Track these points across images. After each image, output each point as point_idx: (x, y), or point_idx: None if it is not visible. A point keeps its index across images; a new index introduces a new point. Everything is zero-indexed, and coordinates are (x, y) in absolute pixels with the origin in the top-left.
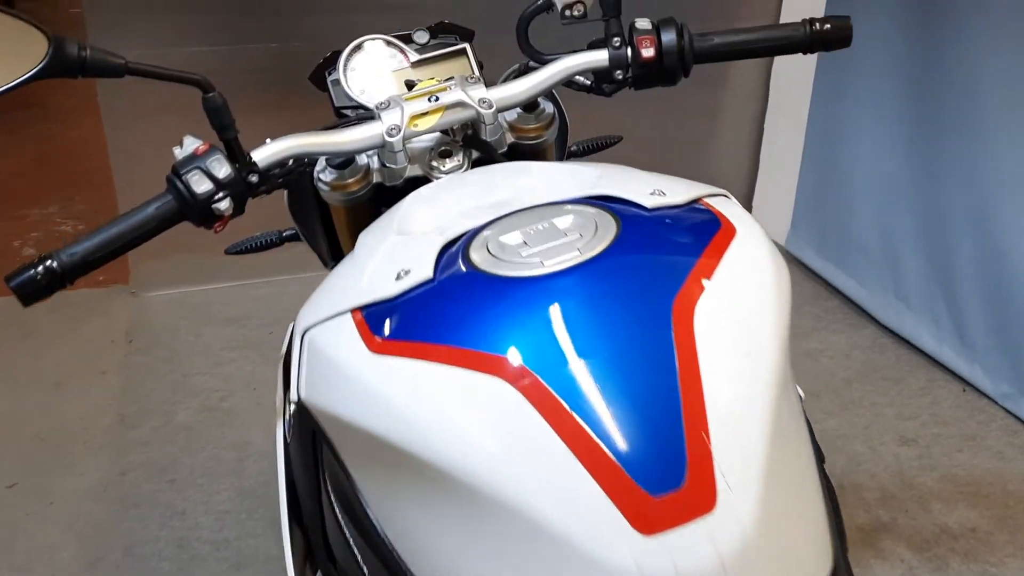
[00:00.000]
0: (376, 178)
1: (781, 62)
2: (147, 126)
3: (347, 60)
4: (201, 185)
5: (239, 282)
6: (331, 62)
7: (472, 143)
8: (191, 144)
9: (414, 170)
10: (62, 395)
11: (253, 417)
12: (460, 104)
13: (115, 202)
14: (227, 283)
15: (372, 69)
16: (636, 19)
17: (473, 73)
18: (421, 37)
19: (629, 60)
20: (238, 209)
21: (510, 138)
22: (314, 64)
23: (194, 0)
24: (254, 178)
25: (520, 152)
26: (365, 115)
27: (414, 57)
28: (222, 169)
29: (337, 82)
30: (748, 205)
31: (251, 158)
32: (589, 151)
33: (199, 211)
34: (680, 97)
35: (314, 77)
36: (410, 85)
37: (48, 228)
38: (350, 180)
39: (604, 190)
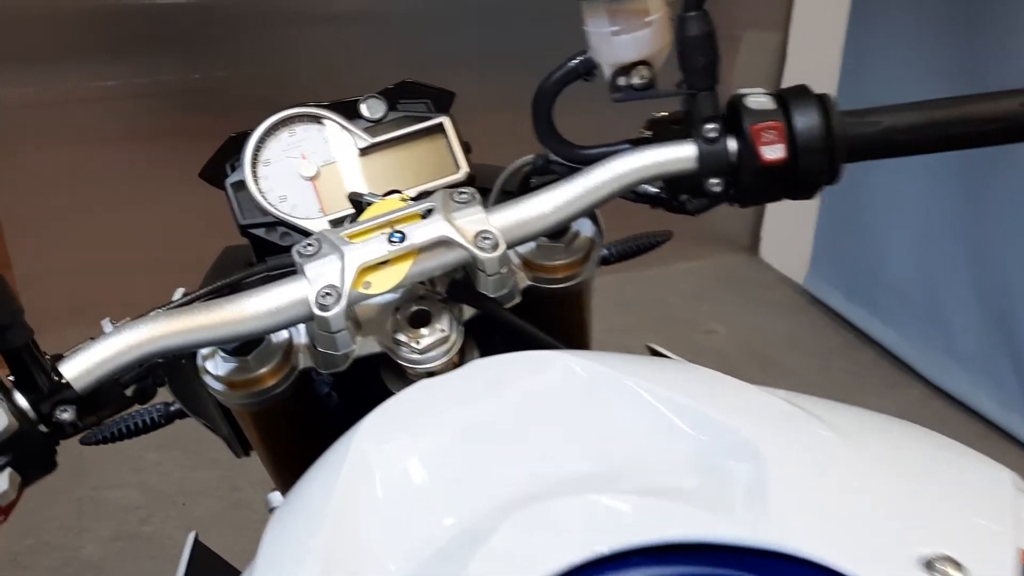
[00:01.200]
0: (303, 363)
1: (794, 60)
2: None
3: (257, 150)
4: None
5: None
6: (233, 150)
7: (461, 295)
8: None
9: (367, 346)
10: None
11: (181, 546)
12: (444, 243)
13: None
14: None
15: (297, 162)
16: (742, 91)
17: (457, 168)
18: (374, 109)
19: (737, 160)
20: (38, 471)
21: (524, 279)
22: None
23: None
24: (66, 414)
25: (539, 299)
26: (281, 260)
27: (363, 142)
28: None
29: (242, 185)
30: (755, 237)
31: (59, 376)
32: (626, 256)
33: None
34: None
35: (208, 173)
36: (358, 203)
37: None
38: (259, 372)
39: (806, 538)
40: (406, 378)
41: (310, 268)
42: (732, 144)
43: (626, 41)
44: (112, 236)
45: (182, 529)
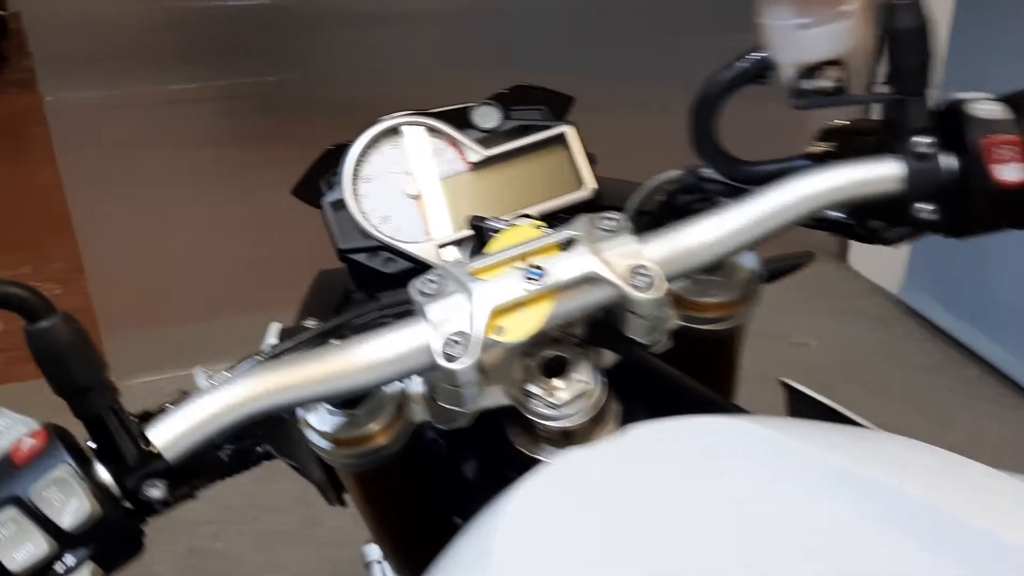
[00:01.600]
0: (419, 416)
1: None
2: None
3: (358, 164)
4: (18, 548)
5: (230, 362)
6: (329, 165)
7: (603, 339)
8: (4, 431)
9: (491, 397)
10: None
11: (253, 564)
12: (592, 280)
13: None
14: (215, 365)
15: (401, 179)
16: (961, 95)
17: (581, 184)
18: (487, 118)
19: (956, 181)
20: (122, 558)
21: (672, 319)
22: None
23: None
24: (156, 490)
25: (687, 341)
26: (396, 298)
27: (476, 155)
28: (74, 499)
29: (341, 204)
30: (843, 244)
31: (147, 444)
32: (767, 280)
33: None
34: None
35: (302, 191)
36: (480, 228)
37: None
38: (369, 428)
39: None
40: (534, 434)
41: (433, 310)
42: (950, 161)
43: (816, 36)
44: (184, 240)
45: (254, 545)
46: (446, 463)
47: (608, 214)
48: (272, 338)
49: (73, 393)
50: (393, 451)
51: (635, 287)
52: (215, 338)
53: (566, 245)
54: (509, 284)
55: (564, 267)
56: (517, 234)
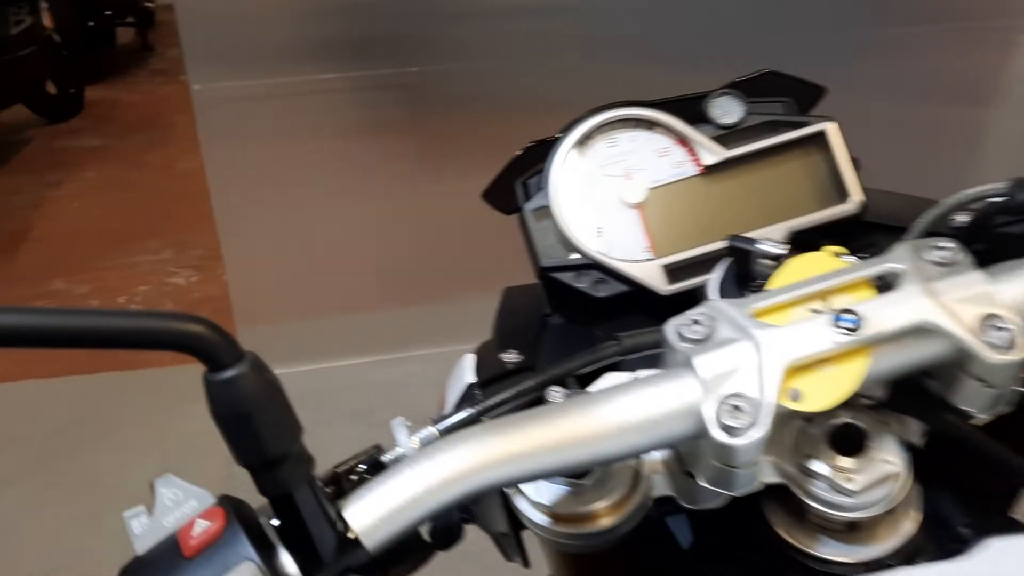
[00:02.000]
0: (659, 491)
1: None
2: (254, 161)
3: (566, 160)
4: None
5: (364, 358)
6: (527, 165)
7: (913, 406)
8: (171, 506)
9: (760, 474)
10: None
11: None
12: (926, 332)
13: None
14: (349, 360)
15: (619, 183)
16: None
17: (844, 196)
18: (728, 110)
19: None
20: None
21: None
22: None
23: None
24: None
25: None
26: (642, 339)
27: (711, 155)
28: None
29: (544, 212)
30: None
31: (347, 531)
32: None
33: None
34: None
35: (494, 194)
36: (741, 249)
37: (159, 279)
38: (596, 506)
39: None
40: (806, 522)
41: (705, 363)
42: None
43: None
44: (323, 232)
45: None
46: (676, 544)
47: (938, 241)
48: (469, 375)
49: (260, 464)
50: (621, 533)
51: (989, 344)
52: (350, 333)
53: (884, 282)
54: (810, 333)
55: (889, 314)
56: (811, 264)
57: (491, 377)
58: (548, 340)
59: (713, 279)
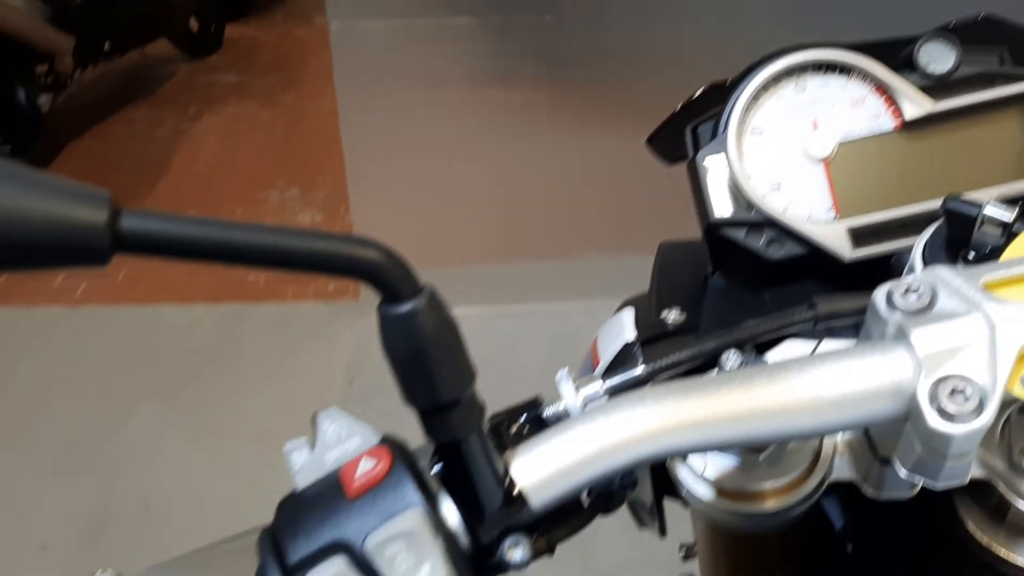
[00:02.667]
0: (841, 474)
1: None
2: (388, 105)
3: (747, 111)
4: None
5: (482, 309)
6: (699, 111)
7: None
8: (334, 441)
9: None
10: (263, 452)
11: None
12: None
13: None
14: (467, 309)
15: (805, 134)
16: None
17: None
18: (939, 58)
19: None
20: None
21: None
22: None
23: None
24: (517, 551)
25: None
26: (839, 306)
27: (916, 108)
28: (426, 564)
29: (717, 161)
30: None
31: (514, 488)
32: None
33: None
34: None
35: (659, 141)
36: (958, 213)
37: (285, 217)
38: (768, 484)
39: None
40: (1005, 523)
41: (923, 337)
42: None
43: None
44: (450, 180)
45: None
46: (847, 535)
47: None
48: (628, 331)
49: (432, 407)
50: (791, 516)
51: None
52: (470, 283)
53: None
54: None
55: None
56: None
57: (652, 336)
58: (710, 302)
59: (920, 244)
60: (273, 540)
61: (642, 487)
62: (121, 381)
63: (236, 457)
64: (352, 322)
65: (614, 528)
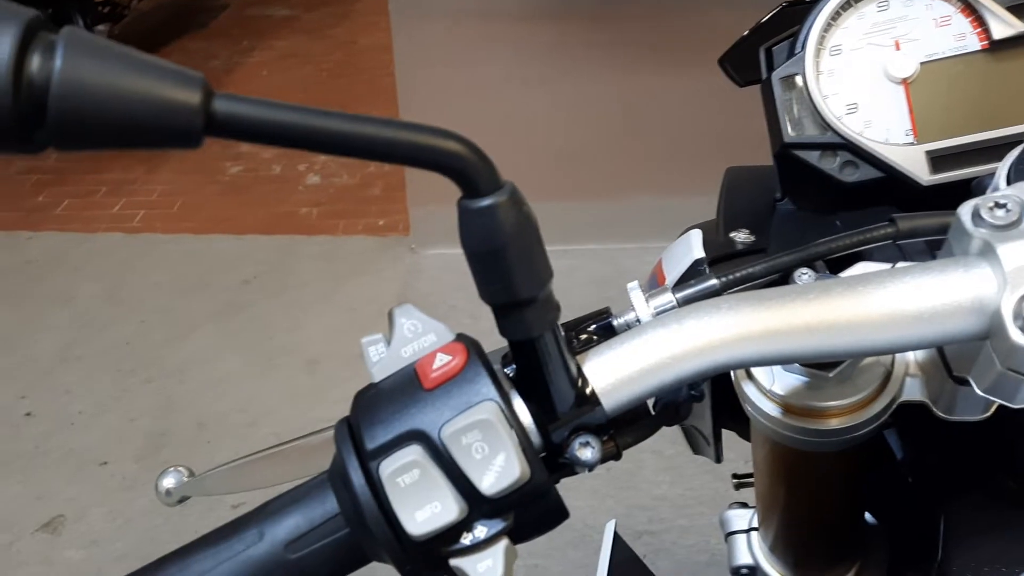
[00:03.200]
0: (912, 395)
1: None
2: (441, 40)
3: (826, 30)
4: (421, 505)
5: None
6: (776, 29)
7: None
8: (410, 337)
9: None
10: (312, 379)
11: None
12: None
13: None
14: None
15: (885, 54)
16: None
17: None
18: None
19: None
20: (534, 532)
21: None
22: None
23: None
24: (588, 450)
25: None
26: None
27: (1005, 28)
28: (501, 454)
29: (793, 83)
30: None
31: (587, 388)
32: None
33: (415, 561)
34: None
35: (733, 59)
36: None
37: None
38: (835, 403)
39: None
40: None
41: (1012, 252)
42: None
43: None
44: (503, 116)
45: None
46: (913, 457)
47: None
48: (697, 250)
49: (508, 303)
50: (857, 437)
51: None
52: None
53: None
54: None
55: None
56: None
57: (721, 255)
58: (779, 225)
59: (1005, 165)
60: (350, 429)
61: (702, 412)
62: (177, 307)
63: (286, 383)
64: (401, 256)
65: (656, 466)
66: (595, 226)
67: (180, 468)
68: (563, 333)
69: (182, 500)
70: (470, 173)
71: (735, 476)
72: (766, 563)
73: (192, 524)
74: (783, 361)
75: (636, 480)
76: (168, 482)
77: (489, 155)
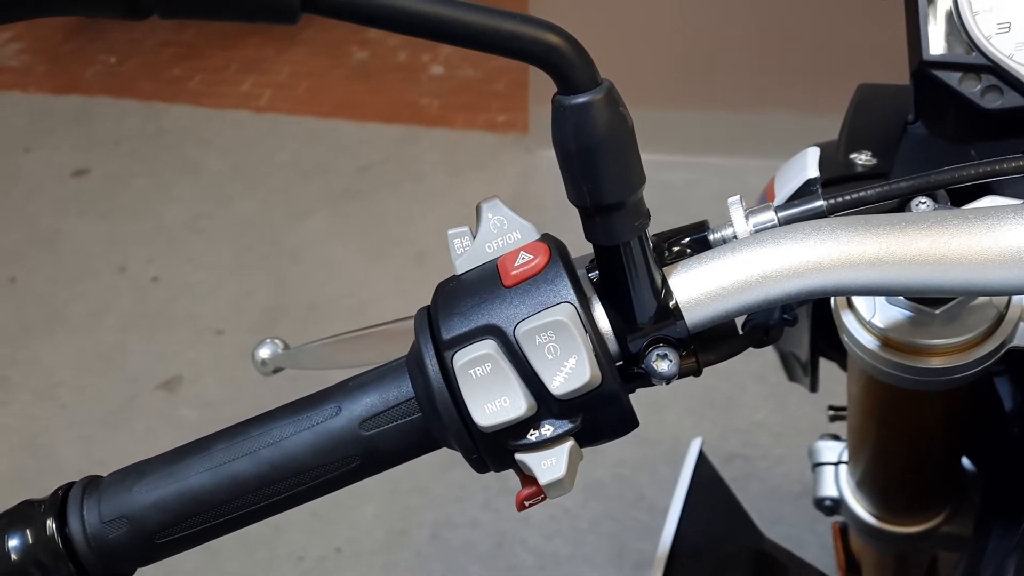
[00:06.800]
0: (1021, 341)
1: None
2: None
3: None
4: (490, 399)
5: (659, 154)
6: None
7: None
8: (495, 232)
9: None
10: (422, 271)
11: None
12: None
13: None
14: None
15: None
16: None
17: None
18: None
19: None
20: (604, 438)
21: None
22: None
23: None
24: (665, 363)
25: None
26: None
27: None
28: (573, 357)
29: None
30: None
31: (670, 300)
32: None
33: (483, 456)
34: None
35: None
36: None
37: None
38: (941, 342)
39: None
40: None
41: None
42: None
43: None
44: (633, 16)
45: None
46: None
47: None
48: (811, 169)
49: (596, 206)
50: (958, 379)
51: None
52: (646, 128)
53: None
54: None
55: None
56: None
57: (837, 177)
58: (908, 150)
59: None
60: (429, 318)
61: (800, 339)
62: (296, 189)
63: (395, 272)
64: (518, 157)
65: (758, 392)
66: (724, 139)
67: (276, 340)
68: (651, 243)
69: (276, 371)
70: (566, 68)
71: (831, 408)
72: (851, 498)
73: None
74: (885, 293)
75: (735, 403)
76: (264, 352)
77: (602, 54)
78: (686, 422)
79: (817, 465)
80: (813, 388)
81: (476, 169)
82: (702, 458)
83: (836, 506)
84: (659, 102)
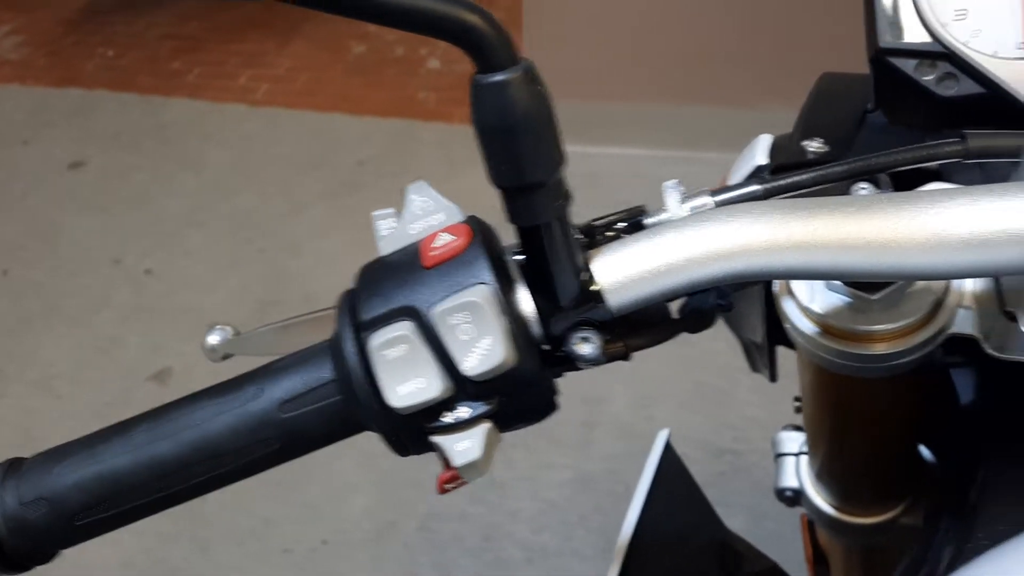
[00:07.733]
0: (961, 328)
1: None
2: None
3: None
4: (404, 379)
5: (649, 151)
6: None
7: None
8: (420, 214)
9: None
10: None
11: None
12: None
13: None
14: (633, 150)
15: None
16: None
17: None
18: None
19: None
20: (523, 422)
21: None
22: None
23: None
24: (587, 346)
25: None
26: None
27: None
28: (486, 338)
29: None
30: None
31: (592, 283)
32: None
33: (401, 438)
34: None
35: None
36: None
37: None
38: (879, 328)
39: None
40: None
41: None
42: None
43: None
44: (632, 13)
45: None
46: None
47: None
48: (761, 156)
49: (515, 187)
50: (901, 365)
51: None
52: (639, 122)
53: None
54: None
55: None
56: None
57: (787, 163)
58: (865, 139)
59: None
60: (351, 300)
61: (755, 326)
62: (294, 182)
63: None
64: None
65: (752, 387)
66: (719, 134)
67: (226, 327)
68: (581, 227)
69: (226, 357)
70: (484, 46)
71: (797, 399)
72: (811, 489)
73: None
74: (815, 277)
75: (729, 399)
76: (213, 339)
77: (602, 52)
78: (679, 416)
79: (779, 456)
80: (772, 378)
81: (473, 163)
82: (668, 449)
83: (797, 497)
84: (658, 97)
